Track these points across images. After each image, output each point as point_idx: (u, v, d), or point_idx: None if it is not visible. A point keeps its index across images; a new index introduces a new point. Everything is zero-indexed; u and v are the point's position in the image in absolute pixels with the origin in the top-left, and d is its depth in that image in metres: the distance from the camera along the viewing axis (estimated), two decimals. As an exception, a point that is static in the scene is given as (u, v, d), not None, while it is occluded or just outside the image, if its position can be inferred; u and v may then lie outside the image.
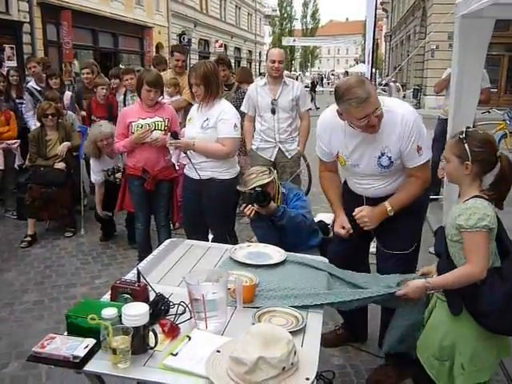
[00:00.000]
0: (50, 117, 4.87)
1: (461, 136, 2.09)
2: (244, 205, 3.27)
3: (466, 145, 2.06)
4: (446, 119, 5.47)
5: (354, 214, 2.63)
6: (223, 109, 3.46)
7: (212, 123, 3.43)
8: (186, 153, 3.53)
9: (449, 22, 3.91)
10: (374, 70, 5.48)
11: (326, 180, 2.92)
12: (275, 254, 2.66)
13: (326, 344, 3.14)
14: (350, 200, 2.82)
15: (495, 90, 20.97)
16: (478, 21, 3.18)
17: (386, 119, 2.43)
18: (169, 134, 3.72)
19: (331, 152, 2.72)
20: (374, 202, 2.67)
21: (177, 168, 4.73)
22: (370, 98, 2.31)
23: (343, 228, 2.73)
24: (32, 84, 6.21)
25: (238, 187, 3.46)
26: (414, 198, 2.57)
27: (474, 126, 4.05)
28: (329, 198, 2.89)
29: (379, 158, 2.54)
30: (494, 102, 16.98)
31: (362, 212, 2.61)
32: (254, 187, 3.24)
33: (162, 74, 5.62)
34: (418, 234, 2.82)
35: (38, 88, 6.08)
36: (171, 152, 4.11)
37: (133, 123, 3.83)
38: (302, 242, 3.38)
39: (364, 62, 5.65)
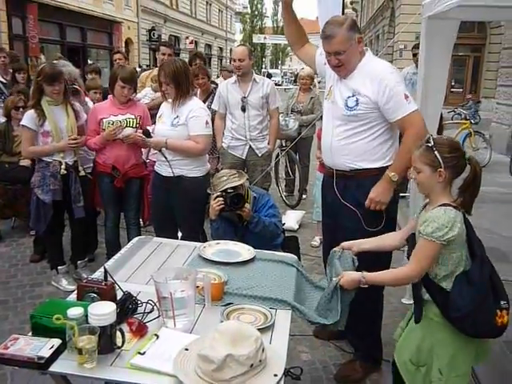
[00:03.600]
0: (21, 109, 4.71)
1: (429, 144, 2.07)
2: (214, 196, 3.22)
3: (436, 152, 2.04)
4: None
5: (366, 205, 2.62)
6: (194, 106, 3.45)
7: (182, 120, 3.42)
8: (160, 150, 3.49)
9: (416, 22, 3.97)
10: None
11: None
12: (244, 251, 2.67)
13: (318, 336, 3.28)
14: (326, 185, 2.90)
15: (461, 90, 21.48)
16: (443, 22, 3.25)
17: (364, 66, 2.58)
18: (139, 131, 3.68)
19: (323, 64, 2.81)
20: (344, 178, 2.71)
21: (146, 165, 4.69)
22: (334, 38, 2.50)
23: None
24: None
25: (208, 190, 3.45)
26: (411, 151, 2.47)
27: (441, 125, 4.15)
28: None
29: (348, 97, 2.61)
30: (460, 101, 17.38)
31: (370, 195, 2.60)
32: (226, 189, 3.24)
33: (148, 72, 5.64)
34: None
35: (4, 81, 5.92)
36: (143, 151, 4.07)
37: (104, 120, 3.77)
38: (266, 244, 3.36)
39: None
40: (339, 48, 2.50)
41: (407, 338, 2.26)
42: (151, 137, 3.52)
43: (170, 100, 3.52)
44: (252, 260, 2.57)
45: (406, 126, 2.56)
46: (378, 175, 2.64)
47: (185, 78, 3.40)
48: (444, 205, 2.05)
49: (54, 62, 4.43)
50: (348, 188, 2.72)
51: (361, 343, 2.97)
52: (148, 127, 3.70)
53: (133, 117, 3.81)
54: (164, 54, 5.43)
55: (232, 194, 3.20)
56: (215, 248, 2.69)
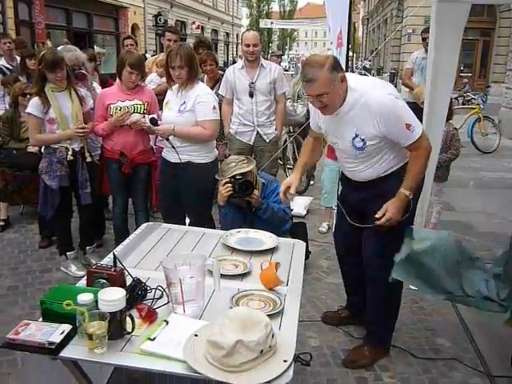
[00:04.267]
0: (28, 96, 4.70)
1: None
2: (223, 183, 3.27)
3: None
4: (414, 102, 5.52)
5: (376, 220, 2.58)
6: (200, 92, 3.43)
7: (189, 106, 3.40)
8: (168, 138, 3.47)
9: (425, 6, 3.91)
10: (351, 54, 5.49)
11: (305, 144, 3.11)
12: (267, 238, 2.67)
13: (326, 321, 3.30)
14: (345, 185, 2.93)
15: (470, 75, 21.24)
16: (454, 5, 3.20)
17: (355, 102, 2.49)
18: (148, 116, 3.65)
19: (318, 124, 2.80)
20: (363, 185, 2.72)
21: (154, 151, 4.69)
22: (316, 82, 2.38)
23: (288, 188, 2.83)
24: (2, 62, 6.01)
25: (216, 176, 3.46)
26: (423, 170, 2.60)
27: (451, 110, 4.10)
28: (299, 159, 3.07)
29: (353, 139, 2.57)
30: (469, 85, 17.19)
31: (386, 215, 2.56)
32: (234, 175, 3.25)
33: (153, 57, 5.57)
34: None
35: (9, 66, 5.91)
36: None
37: (111, 105, 3.75)
38: (274, 230, 3.37)
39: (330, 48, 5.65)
40: (322, 91, 2.41)
41: None
42: (158, 125, 3.49)
43: (175, 86, 3.50)
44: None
45: (411, 148, 2.56)
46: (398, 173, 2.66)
47: (196, 61, 3.43)
48: None
49: (60, 47, 4.41)
50: (374, 187, 2.71)
51: (376, 328, 2.97)
52: (154, 115, 3.67)
53: (140, 103, 3.80)
54: (170, 40, 5.37)
55: (241, 180, 3.23)
56: (236, 236, 2.69)
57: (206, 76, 5.10)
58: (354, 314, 3.26)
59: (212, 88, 4.86)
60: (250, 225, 3.26)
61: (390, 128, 2.47)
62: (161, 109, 3.88)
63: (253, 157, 4.81)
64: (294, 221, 3.75)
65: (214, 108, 3.45)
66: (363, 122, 2.49)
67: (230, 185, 3.26)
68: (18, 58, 6.06)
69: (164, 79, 5.17)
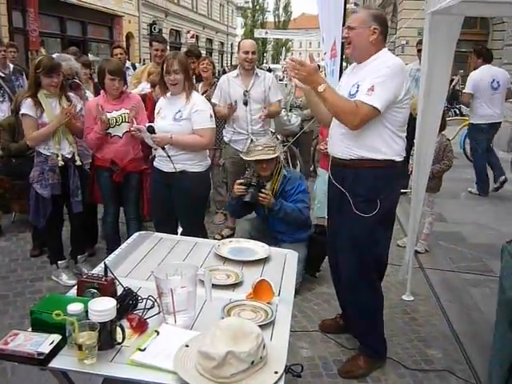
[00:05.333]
0: None
1: None
2: (238, 182, 3.63)
3: None
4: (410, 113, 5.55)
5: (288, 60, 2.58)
6: (197, 100, 3.45)
7: (186, 115, 3.40)
8: (163, 147, 3.46)
9: (419, 18, 3.94)
10: (345, 64, 5.52)
11: None
12: (259, 248, 2.67)
13: (325, 329, 3.32)
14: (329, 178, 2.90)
15: (462, 86, 21.40)
16: (447, 17, 3.22)
17: (376, 58, 2.61)
18: (146, 125, 3.63)
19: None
20: (337, 168, 2.76)
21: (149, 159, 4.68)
22: (354, 14, 2.67)
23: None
24: None
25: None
26: (337, 107, 2.53)
27: (444, 121, 4.12)
28: None
29: (352, 85, 2.64)
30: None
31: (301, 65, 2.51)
32: (258, 159, 3.67)
33: (142, 67, 5.56)
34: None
35: (2, 74, 5.88)
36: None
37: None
38: (290, 232, 3.73)
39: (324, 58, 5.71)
40: (352, 23, 2.62)
41: None
42: (155, 133, 3.46)
43: (168, 94, 3.50)
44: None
45: (356, 103, 2.54)
46: (379, 168, 2.62)
47: (190, 69, 3.47)
48: None
49: (55, 55, 4.41)
50: (346, 178, 2.72)
51: (364, 339, 2.98)
52: (152, 124, 3.63)
53: (127, 111, 3.78)
54: (157, 50, 5.37)
55: (254, 188, 3.54)
56: (229, 246, 2.68)
57: (200, 84, 5.13)
58: (349, 323, 3.27)
59: (206, 92, 4.89)
60: (266, 220, 3.71)
61: (370, 76, 2.52)
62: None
63: (247, 166, 4.84)
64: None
65: (211, 116, 3.47)
66: (368, 71, 2.59)
67: (243, 187, 3.54)
68: (11, 66, 6.06)
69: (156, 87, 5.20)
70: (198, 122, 3.40)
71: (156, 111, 3.62)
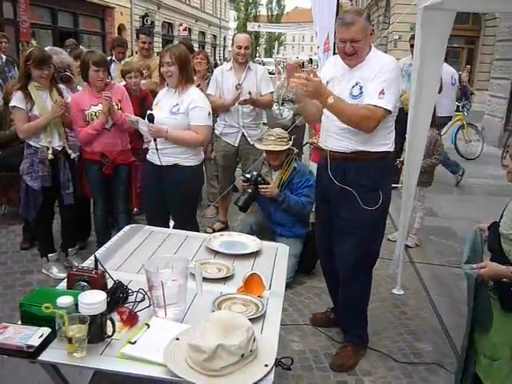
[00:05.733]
0: None
1: None
2: (243, 179, 3.85)
3: None
4: (401, 108, 5.58)
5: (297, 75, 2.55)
6: (196, 96, 3.41)
7: (183, 109, 3.37)
8: (155, 140, 3.44)
9: (411, 13, 3.94)
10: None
11: None
12: (250, 242, 2.67)
13: (315, 323, 3.33)
14: (322, 172, 2.90)
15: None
16: (439, 13, 3.22)
17: (372, 57, 2.64)
18: (148, 112, 3.59)
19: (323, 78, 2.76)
20: (336, 162, 2.75)
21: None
22: (352, 26, 2.54)
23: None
24: None
25: (254, 142, 4.25)
26: (351, 116, 2.58)
27: (434, 116, 4.14)
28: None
29: (353, 87, 2.65)
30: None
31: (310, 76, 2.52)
32: (269, 150, 3.86)
33: (128, 59, 5.50)
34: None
35: None
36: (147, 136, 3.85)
37: (86, 112, 3.72)
38: (290, 224, 3.86)
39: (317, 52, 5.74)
40: (356, 36, 2.55)
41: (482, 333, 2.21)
42: (153, 122, 3.42)
43: (167, 86, 3.47)
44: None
45: (368, 107, 2.60)
46: (378, 159, 2.71)
47: (188, 63, 3.40)
48: None
49: (48, 48, 4.37)
50: (348, 171, 2.74)
51: (355, 328, 3.01)
52: (153, 112, 3.57)
53: (113, 103, 3.75)
54: (144, 43, 5.33)
55: (256, 185, 3.75)
56: (220, 240, 2.68)
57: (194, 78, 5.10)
58: (339, 316, 3.29)
59: (199, 85, 4.86)
60: (268, 215, 3.93)
61: (377, 79, 2.57)
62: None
63: (238, 159, 4.83)
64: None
65: (209, 114, 3.45)
66: (369, 71, 2.60)
67: (247, 184, 3.78)
68: (4, 57, 6.03)
69: (144, 81, 5.19)
70: (195, 118, 3.38)
71: (155, 102, 3.60)
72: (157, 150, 3.40)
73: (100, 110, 3.69)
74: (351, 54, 2.60)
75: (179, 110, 3.37)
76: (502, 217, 2.20)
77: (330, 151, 2.78)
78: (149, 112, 3.49)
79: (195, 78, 5.20)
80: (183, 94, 3.40)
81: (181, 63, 3.34)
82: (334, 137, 2.74)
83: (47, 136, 3.67)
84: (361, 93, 2.62)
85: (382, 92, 2.55)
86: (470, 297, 2.20)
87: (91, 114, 3.71)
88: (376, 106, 2.56)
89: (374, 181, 2.73)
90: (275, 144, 3.84)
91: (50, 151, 3.67)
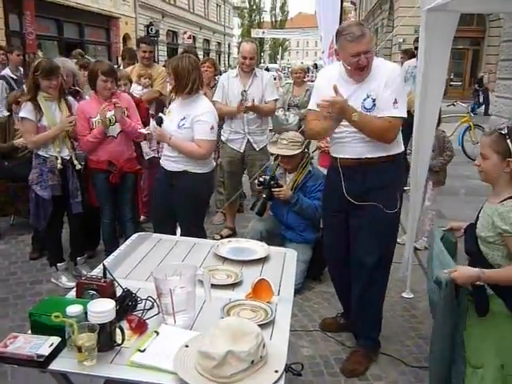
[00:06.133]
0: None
1: (502, 132, 2.03)
2: (257, 182, 3.95)
3: (508, 140, 2.00)
4: (408, 110, 5.58)
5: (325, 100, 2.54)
6: (201, 109, 3.40)
7: (188, 123, 3.38)
8: (158, 142, 3.50)
9: (415, 15, 3.95)
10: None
11: (316, 123, 2.81)
12: (258, 247, 2.67)
13: (325, 328, 3.32)
14: (334, 181, 2.85)
15: (460, 83, 21.45)
16: (442, 14, 3.22)
17: (377, 67, 2.65)
18: (159, 114, 3.64)
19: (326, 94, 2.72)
20: (350, 169, 2.75)
21: (145, 157, 4.72)
22: (364, 37, 2.53)
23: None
24: (7, 72, 6.14)
25: (267, 145, 4.34)
26: (374, 129, 2.63)
27: (439, 118, 4.13)
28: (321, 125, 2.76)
29: (364, 100, 2.65)
30: (459, 94, 17.35)
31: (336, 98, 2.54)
32: (280, 154, 3.91)
33: (130, 68, 5.52)
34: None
35: (14, 77, 5.99)
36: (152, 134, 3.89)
37: (93, 119, 3.74)
38: (301, 228, 3.90)
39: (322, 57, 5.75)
40: (368, 47, 2.56)
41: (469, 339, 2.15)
42: (161, 126, 3.46)
43: (180, 98, 3.48)
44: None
45: (388, 120, 2.65)
46: (394, 161, 2.77)
47: (187, 74, 3.34)
48: None
49: (57, 58, 4.42)
50: (367, 177, 2.74)
51: (370, 331, 3.00)
52: (162, 115, 3.62)
53: (124, 110, 3.78)
54: (145, 52, 5.35)
55: (270, 188, 3.83)
56: (228, 246, 2.68)
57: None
58: (353, 321, 3.28)
59: (205, 94, 4.87)
60: (279, 221, 3.98)
61: (388, 89, 2.60)
62: (152, 116, 3.87)
63: (244, 165, 4.84)
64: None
65: (212, 128, 3.41)
66: (378, 82, 2.62)
67: (261, 187, 3.87)
68: (22, 70, 6.18)
69: (145, 90, 5.22)
70: (198, 132, 3.38)
71: (168, 110, 3.63)
72: (158, 143, 3.46)
73: (108, 118, 3.70)
74: (365, 66, 2.59)
75: (185, 125, 3.39)
76: (477, 218, 2.18)
77: (347, 158, 2.77)
78: (159, 115, 3.55)
79: None
80: (192, 104, 3.40)
81: (176, 75, 3.35)
82: (351, 145, 2.74)
83: (56, 146, 3.70)
84: (374, 105, 2.64)
85: (395, 102, 2.60)
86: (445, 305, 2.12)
87: (97, 122, 3.73)
88: (394, 116, 2.62)
89: (392, 183, 2.78)
90: (287, 148, 3.86)
91: (59, 161, 3.70)
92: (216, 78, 5.47)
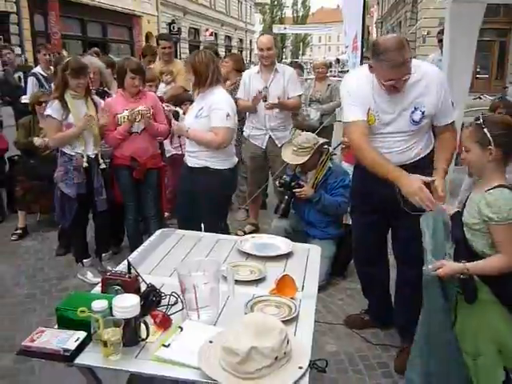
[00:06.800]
0: (43, 104, 4.74)
1: (478, 122, 2.05)
2: (277, 179, 3.98)
3: (485, 129, 2.02)
4: None
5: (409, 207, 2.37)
6: (216, 98, 3.43)
7: (205, 112, 3.41)
8: (179, 136, 3.53)
9: (439, 7, 3.88)
10: (356, 60, 5.48)
11: (376, 153, 2.55)
12: (281, 243, 2.65)
13: (349, 324, 3.30)
14: (374, 181, 2.63)
15: (486, 76, 21.03)
16: (468, 5, 3.17)
17: (420, 75, 2.51)
18: (173, 109, 3.70)
19: (368, 107, 2.61)
20: (410, 167, 2.62)
21: (166, 154, 4.74)
22: (405, 64, 2.37)
23: (425, 184, 2.31)
24: (38, 70, 6.29)
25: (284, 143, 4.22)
26: (453, 153, 2.66)
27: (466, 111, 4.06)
28: (382, 164, 2.50)
29: (412, 112, 2.56)
30: (486, 87, 17.02)
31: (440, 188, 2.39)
32: (292, 164, 3.93)
33: (151, 66, 5.57)
34: None
35: (45, 74, 6.16)
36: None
37: (118, 115, 3.77)
38: (323, 224, 3.88)
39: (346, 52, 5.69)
40: (408, 71, 2.42)
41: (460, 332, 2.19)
42: (178, 120, 3.52)
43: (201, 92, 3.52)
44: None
45: (448, 129, 2.65)
46: (431, 157, 2.70)
47: (205, 68, 3.39)
48: (501, 186, 2.00)
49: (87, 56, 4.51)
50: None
51: (413, 326, 2.94)
52: (179, 109, 3.68)
53: (146, 108, 3.79)
54: (164, 48, 5.40)
55: (291, 189, 3.82)
56: (251, 242, 2.67)
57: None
58: (375, 317, 3.24)
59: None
60: (302, 219, 3.94)
61: (445, 98, 2.55)
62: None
63: (267, 161, 4.82)
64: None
65: (228, 115, 3.41)
66: (426, 92, 2.53)
67: (282, 188, 3.90)
68: (53, 68, 6.34)
69: (169, 86, 5.24)
70: (214, 120, 3.40)
71: (190, 106, 3.67)
72: (180, 146, 3.48)
73: (137, 110, 3.74)
74: (401, 88, 2.48)
75: (202, 114, 3.43)
76: (464, 206, 2.19)
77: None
78: (175, 109, 3.58)
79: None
80: (208, 96, 3.43)
81: (194, 71, 3.40)
82: (399, 152, 2.66)
83: (82, 144, 3.75)
84: (423, 117, 2.56)
85: (452, 105, 2.61)
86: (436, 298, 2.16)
87: (123, 118, 3.76)
88: (453, 122, 2.64)
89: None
90: (297, 155, 3.80)
91: (84, 159, 3.74)
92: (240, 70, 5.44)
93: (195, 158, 3.50)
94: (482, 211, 2.01)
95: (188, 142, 3.58)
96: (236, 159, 3.72)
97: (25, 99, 5.90)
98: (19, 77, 6.59)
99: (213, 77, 3.42)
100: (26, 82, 6.40)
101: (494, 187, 2.02)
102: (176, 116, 3.49)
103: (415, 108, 2.55)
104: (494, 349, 2.09)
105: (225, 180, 3.53)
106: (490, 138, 2.01)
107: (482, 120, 2.05)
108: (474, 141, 2.06)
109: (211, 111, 3.39)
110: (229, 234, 3.74)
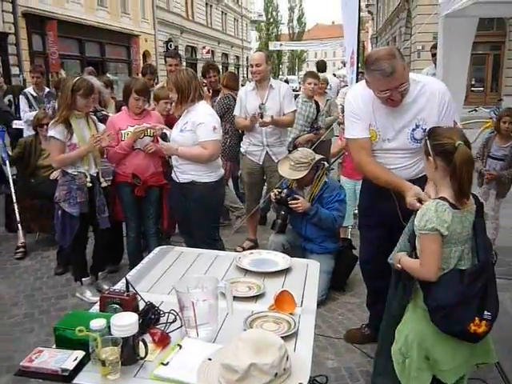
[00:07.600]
0: (45, 127, 4.76)
1: (427, 133, 2.18)
2: (274, 189, 3.94)
3: (427, 141, 2.12)
4: None
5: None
6: (201, 113, 3.50)
7: (189, 127, 3.47)
8: (170, 156, 3.60)
9: (433, 22, 3.93)
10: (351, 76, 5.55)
11: (375, 165, 2.65)
12: (279, 259, 2.65)
13: (350, 339, 3.27)
14: (377, 195, 2.74)
15: (482, 89, 21.18)
16: (461, 20, 3.20)
17: (421, 91, 2.50)
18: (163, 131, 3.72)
19: (368, 124, 2.61)
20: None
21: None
22: (395, 73, 2.33)
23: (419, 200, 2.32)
24: (30, 90, 6.38)
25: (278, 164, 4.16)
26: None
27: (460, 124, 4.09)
28: (388, 179, 2.58)
29: (413, 130, 2.55)
30: (481, 100, 17.13)
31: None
32: (288, 180, 3.94)
33: (160, 84, 5.67)
34: None
35: (35, 94, 6.26)
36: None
37: (122, 131, 3.83)
38: (320, 239, 3.87)
39: (345, 66, 5.76)
40: (401, 81, 2.38)
41: (400, 327, 2.29)
42: (166, 140, 3.58)
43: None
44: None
45: None
46: None
47: (187, 85, 3.47)
48: (440, 198, 2.05)
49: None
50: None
51: None
52: (166, 131, 3.71)
53: (148, 125, 3.83)
54: (171, 65, 5.48)
55: (287, 204, 3.77)
56: (249, 258, 2.66)
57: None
58: (377, 330, 3.23)
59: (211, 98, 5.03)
60: (304, 220, 3.87)
61: (447, 116, 2.51)
62: None
63: (264, 177, 4.85)
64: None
65: (215, 128, 3.49)
66: (428, 110, 2.51)
67: (277, 193, 3.83)
68: (47, 89, 6.42)
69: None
70: (201, 134, 3.45)
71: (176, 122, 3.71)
72: (170, 166, 3.59)
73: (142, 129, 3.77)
74: (397, 100, 2.46)
75: (186, 128, 3.49)
76: None
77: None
78: (163, 131, 3.63)
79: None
80: (193, 111, 3.50)
81: (177, 88, 3.47)
82: (402, 170, 2.65)
83: (85, 163, 3.75)
84: (423, 134, 2.48)
85: (455, 124, 2.54)
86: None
87: (127, 134, 3.81)
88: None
89: None
90: (294, 170, 3.82)
91: (88, 179, 3.74)
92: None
93: (182, 173, 3.57)
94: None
95: (173, 157, 3.62)
96: (222, 171, 3.75)
97: (15, 125, 5.92)
98: (9, 100, 6.58)
99: (195, 93, 3.50)
100: (16, 104, 6.45)
101: (437, 198, 2.08)
102: (164, 137, 3.54)
103: (416, 126, 2.54)
104: (421, 354, 2.16)
105: (211, 192, 3.58)
106: (430, 148, 2.09)
107: (428, 132, 2.17)
108: (423, 151, 2.17)
109: (197, 127, 3.44)
110: (223, 248, 3.73)
